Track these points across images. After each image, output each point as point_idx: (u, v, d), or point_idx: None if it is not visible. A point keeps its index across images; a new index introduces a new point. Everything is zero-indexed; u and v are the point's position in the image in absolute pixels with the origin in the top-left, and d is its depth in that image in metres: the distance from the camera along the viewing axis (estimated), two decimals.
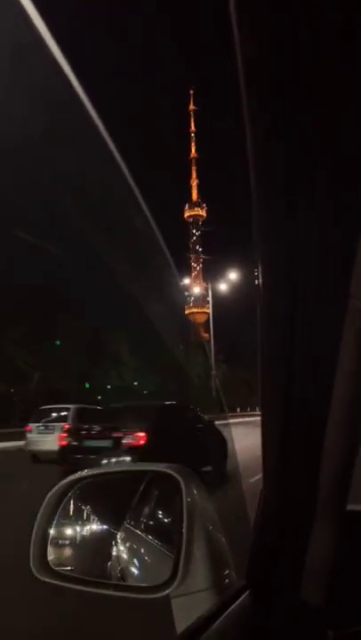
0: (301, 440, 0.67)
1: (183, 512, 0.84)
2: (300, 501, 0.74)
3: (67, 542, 1.03)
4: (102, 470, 1.09)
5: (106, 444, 7.55)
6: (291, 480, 0.72)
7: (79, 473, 1.03)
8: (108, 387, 32.93)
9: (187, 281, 61.42)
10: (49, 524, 0.96)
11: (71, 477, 1.02)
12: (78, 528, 1.06)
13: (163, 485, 1.00)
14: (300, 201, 0.46)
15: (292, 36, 0.38)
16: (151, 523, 1.07)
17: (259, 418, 0.72)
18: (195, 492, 0.88)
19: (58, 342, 29.21)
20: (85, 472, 1.04)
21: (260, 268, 0.54)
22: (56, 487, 0.99)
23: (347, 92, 0.39)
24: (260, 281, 0.55)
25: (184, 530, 0.82)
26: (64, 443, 8.55)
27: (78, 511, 1.05)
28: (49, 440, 10.96)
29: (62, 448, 8.56)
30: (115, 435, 7.56)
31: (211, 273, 50.44)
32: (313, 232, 0.48)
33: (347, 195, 0.44)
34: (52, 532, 0.97)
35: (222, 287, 31.04)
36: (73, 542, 1.04)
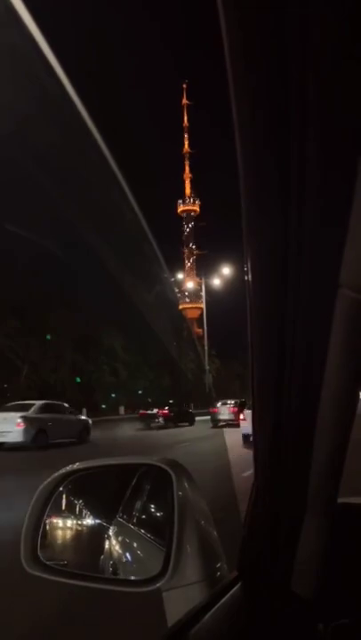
0: (293, 433, 0.67)
1: (174, 505, 0.84)
2: (291, 494, 0.74)
3: (59, 536, 1.03)
4: (94, 463, 1.09)
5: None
6: (282, 473, 0.73)
7: (70, 466, 1.03)
8: (113, 395, 33.26)
9: (180, 276, 61.39)
10: (40, 518, 0.96)
11: (62, 471, 1.01)
12: (70, 522, 1.05)
13: (155, 479, 1.01)
14: (290, 191, 0.45)
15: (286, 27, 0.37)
16: (143, 516, 1.07)
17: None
18: (186, 485, 0.88)
19: (49, 338, 29.18)
20: (77, 465, 1.04)
21: (248, 263, 0.53)
22: (47, 481, 0.99)
23: (342, 84, 0.39)
24: (250, 275, 0.54)
25: (175, 523, 0.83)
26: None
27: (70, 505, 1.05)
28: (225, 414, 22.60)
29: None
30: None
31: (204, 268, 50.41)
32: (301, 222, 0.48)
33: (335, 184, 0.44)
34: (44, 525, 0.97)
35: (216, 282, 31.10)
36: (65, 536, 1.04)
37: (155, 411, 22.54)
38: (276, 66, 0.39)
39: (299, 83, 0.39)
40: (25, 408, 14.29)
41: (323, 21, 0.36)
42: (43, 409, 14.61)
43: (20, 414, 13.71)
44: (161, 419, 22.08)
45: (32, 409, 14.24)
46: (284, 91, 0.40)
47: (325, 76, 0.39)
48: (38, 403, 14.89)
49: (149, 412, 22.31)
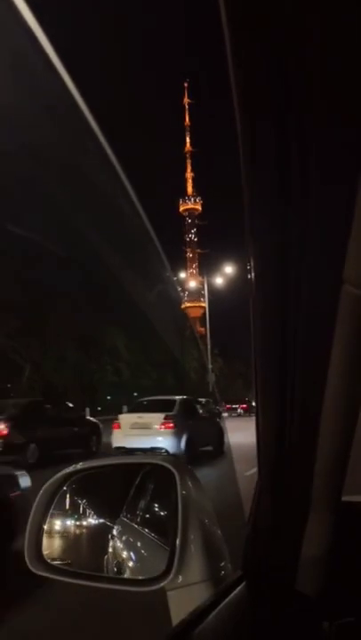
0: (296, 431, 0.67)
1: (178, 504, 0.84)
2: (295, 493, 0.74)
3: (63, 536, 1.03)
4: (97, 463, 1.09)
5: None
6: (286, 471, 0.72)
7: (74, 466, 1.03)
8: (108, 397, 33.53)
9: (183, 275, 61.37)
10: (44, 517, 0.96)
11: (65, 471, 1.01)
12: (74, 522, 1.05)
13: (158, 478, 1.00)
14: (292, 187, 0.45)
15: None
16: (147, 516, 1.07)
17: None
18: (190, 484, 0.88)
19: (51, 337, 29.19)
20: (80, 465, 1.04)
21: (251, 261, 0.53)
22: (51, 480, 0.99)
23: (343, 80, 0.39)
24: (252, 273, 0.54)
25: (179, 522, 0.83)
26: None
27: (74, 505, 1.05)
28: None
29: None
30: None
31: (207, 267, 50.36)
32: (305, 219, 0.48)
33: (338, 179, 0.44)
34: (48, 525, 0.97)
35: (218, 281, 31.14)
36: (69, 536, 1.04)
37: (237, 406, 33.62)
38: (277, 65, 0.39)
39: (300, 80, 0.39)
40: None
41: (323, 21, 0.36)
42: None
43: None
44: (241, 410, 32.21)
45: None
46: (285, 89, 0.40)
47: (326, 73, 0.39)
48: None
49: (233, 406, 32.97)
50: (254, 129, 0.43)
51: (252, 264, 0.53)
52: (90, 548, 1.08)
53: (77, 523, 1.06)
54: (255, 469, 0.79)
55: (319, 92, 0.39)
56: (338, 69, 0.38)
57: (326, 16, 0.36)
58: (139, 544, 1.05)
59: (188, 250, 75.14)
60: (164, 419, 10.48)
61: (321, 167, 0.43)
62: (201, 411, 13.28)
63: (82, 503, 1.07)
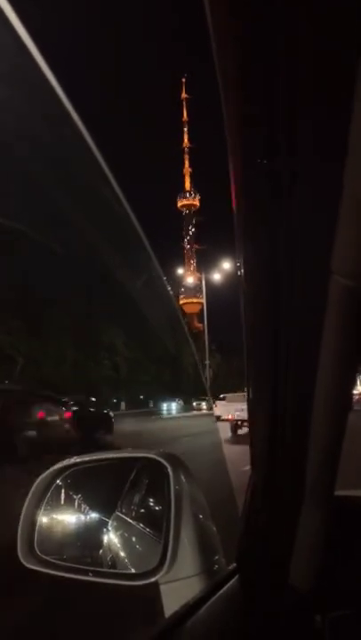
0: (289, 425, 0.67)
1: (171, 499, 0.84)
2: (288, 487, 0.74)
3: (57, 530, 1.03)
4: (92, 457, 1.09)
5: None
6: (279, 465, 0.72)
7: (67, 460, 1.03)
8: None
9: (181, 271, 61.42)
10: (37, 511, 0.96)
11: (60, 464, 1.01)
12: (69, 516, 1.06)
13: (153, 472, 1.01)
14: (279, 179, 0.45)
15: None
16: (142, 510, 1.07)
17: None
18: (183, 478, 0.88)
19: (50, 335, 29.17)
20: (74, 459, 1.04)
21: (241, 256, 0.53)
22: (44, 474, 0.99)
23: (329, 75, 0.38)
24: (243, 267, 0.54)
25: (172, 517, 0.83)
26: None
27: (69, 499, 1.05)
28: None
29: None
30: None
31: (204, 263, 50.36)
32: (292, 211, 0.47)
33: (325, 170, 0.43)
34: (43, 519, 0.97)
35: (216, 276, 31.12)
36: (63, 530, 1.04)
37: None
38: (262, 52, 0.38)
39: (289, 70, 0.39)
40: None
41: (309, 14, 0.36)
42: None
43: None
44: None
45: None
46: (272, 81, 0.39)
47: (312, 69, 0.38)
48: None
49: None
50: (240, 122, 0.43)
51: (241, 257, 0.53)
52: (84, 542, 1.08)
53: (72, 517, 1.06)
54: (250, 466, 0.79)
55: (306, 83, 0.39)
56: (324, 66, 0.38)
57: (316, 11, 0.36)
58: (133, 539, 1.05)
59: (187, 245, 75.18)
60: None
61: (308, 160, 0.43)
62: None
63: (77, 498, 1.07)
